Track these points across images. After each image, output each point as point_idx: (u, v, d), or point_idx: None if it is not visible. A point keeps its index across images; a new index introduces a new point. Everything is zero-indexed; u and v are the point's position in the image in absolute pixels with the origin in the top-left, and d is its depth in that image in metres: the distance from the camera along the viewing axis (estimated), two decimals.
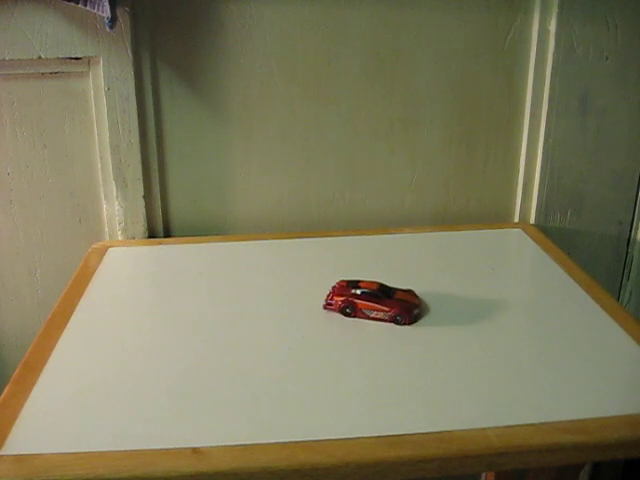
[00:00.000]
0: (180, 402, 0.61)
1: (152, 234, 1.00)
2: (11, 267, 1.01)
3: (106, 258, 0.92)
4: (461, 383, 0.63)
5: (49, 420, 0.59)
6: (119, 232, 0.99)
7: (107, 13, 0.83)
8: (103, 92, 0.92)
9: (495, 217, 1.05)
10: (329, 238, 0.98)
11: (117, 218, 0.98)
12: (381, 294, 0.74)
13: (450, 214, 1.04)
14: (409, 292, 0.77)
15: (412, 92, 0.98)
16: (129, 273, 0.90)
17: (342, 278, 0.79)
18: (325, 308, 0.77)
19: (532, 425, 0.57)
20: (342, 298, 0.75)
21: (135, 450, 0.55)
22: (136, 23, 0.90)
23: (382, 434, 0.56)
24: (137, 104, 0.93)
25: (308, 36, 0.94)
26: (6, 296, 1.02)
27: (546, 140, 0.99)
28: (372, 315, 0.74)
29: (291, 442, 0.55)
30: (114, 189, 0.97)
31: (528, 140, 1.00)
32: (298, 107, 0.97)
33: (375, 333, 0.72)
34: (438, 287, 0.81)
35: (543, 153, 1.00)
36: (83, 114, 0.94)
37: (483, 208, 1.05)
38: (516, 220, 1.05)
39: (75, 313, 0.77)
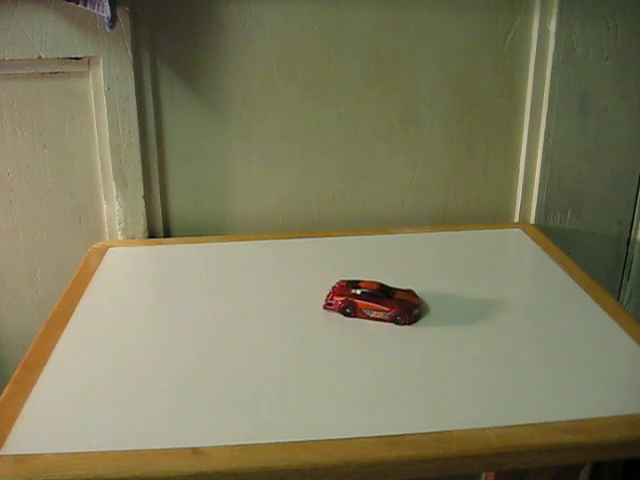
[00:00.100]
0: (180, 402, 0.61)
1: (152, 234, 1.00)
2: (11, 267, 1.01)
3: (106, 258, 0.92)
4: (461, 383, 0.63)
5: (49, 420, 0.59)
6: (119, 232, 0.99)
7: (107, 13, 0.83)
8: (103, 92, 0.92)
9: (495, 217, 1.05)
10: (329, 238, 0.98)
11: (117, 218, 0.98)
12: (381, 294, 0.74)
13: (450, 214, 1.04)
14: (409, 292, 0.77)
15: (412, 92, 0.98)
16: (129, 273, 0.90)
17: (342, 278, 0.79)
18: (325, 308, 0.77)
19: (532, 425, 0.57)
20: (342, 298, 0.75)
21: (135, 450, 0.55)
22: (136, 23, 0.90)
23: (382, 434, 0.56)
24: (137, 104, 0.93)
25: (308, 36, 0.94)
26: (6, 296, 1.02)
27: (546, 140, 0.99)
28: (372, 315, 0.74)
29: (291, 442, 0.55)
30: (114, 189, 0.97)
31: (528, 140, 1.00)
32: (298, 107, 0.97)
33: (375, 333, 0.72)
34: (438, 287, 0.81)
35: (543, 153, 1.00)
36: (83, 114, 0.94)
37: (483, 208, 1.05)
38: (516, 220, 1.05)
39: (75, 313, 0.77)
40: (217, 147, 0.98)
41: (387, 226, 1.03)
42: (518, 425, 0.57)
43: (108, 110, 0.93)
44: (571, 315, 0.76)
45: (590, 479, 1.11)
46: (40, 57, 0.89)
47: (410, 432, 0.56)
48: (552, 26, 0.94)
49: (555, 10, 0.93)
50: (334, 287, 0.77)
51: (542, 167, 1.01)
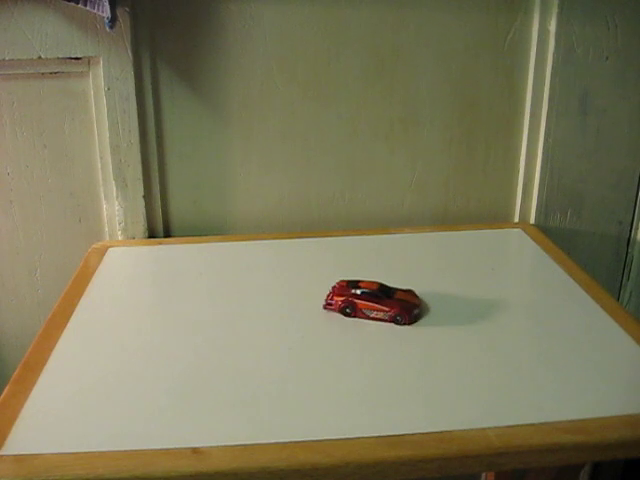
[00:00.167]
0: (180, 402, 0.61)
1: (152, 234, 1.00)
2: (11, 267, 1.01)
3: (106, 258, 0.92)
4: (461, 383, 0.63)
5: (49, 420, 0.59)
6: (119, 232, 0.99)
7: (107, 13, 0.83)
8: (103, 92, 0.92)
9: (495, 217, 1.05)
10: (329, 238, 0.98)
11: (117, 218, 0.98)
12: (381, 294, 0.74)
13: (450, 214, 1.04)
14: (409, 292, 0.77)
15: (412, 92, 0.98)
16: (129, 273, 0.90)
17: (342, 278, 0.79)
18: (325, 308, 0.77)
19: (532, 425, 0.57)
20: (342, 298, 0.75)
21: (135, 450, 0.55)
22: (136, 23, 0.90)
23: (382, 434, 0.56)
24: (137, 104, 0.93)
25: (308, 36, 0.94)
26: (6, 296, 1.02)
27: (546, 140, 0.99)
28: (372, 315, 0.74)
29: (291, 442, 0.55)
30: (114, 189, 0.97)
31: (528, 140, 1.00)
32: (298, 107, 0.97)
33: (375, 333, 0.72)
34: (438, 287, 0.81)
35: (543, 153, 1.00)
36: (83, 114, 0.94)
37: (483, 208, 1.05)
38: (516, 220, 1.05)
39: (75, 313, 0.77)
40: (217, 147, 0.98)
41: (387, 226, 1.03)
42: (518, 425, 0.57)
43: (108, 110, 0.93)
44: (571, 315, 0.76)
45: (590, 479, 1.11)
46: (40, 57, 0.89)
47: (410, 432, 0.56)
48: (552, 26, 0.94)
49: (555, 10, 0.93)
50: (334, 287, 0.77)
51: (542, 167, 1.01)
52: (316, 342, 0.71)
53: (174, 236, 1.01)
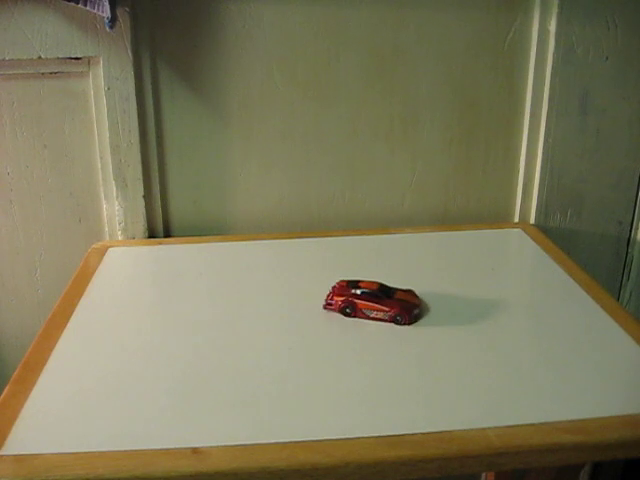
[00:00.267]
0: (180, 402, 0.61)
1: (152, 234, 1.00)
2: (11, 267, 1.01)
3: (106, 258, 0.92)
4: (461, 383, 0.63)
5: (49, 420, 0.59)
6: (119, 232, 0.99)
7: (107, 13, 0.83)
8: (103, 92, 0.92)
9: (495, 217, 1.05)
10: (329, 238, 0.98)
11: (117, 218, 0.98)
12: (381, 294, 0.74)
13: (450, 214, 1.04)
14: (409, 292, 0.77)
15: (412, 92, 0.98)
16: (129, 273, 0.90)
17: (342, 278, 0.79)
18: (325, 308, 0.76)
19: (532, 425, 0.57)
20: (342, 298, 0.75)
21: (135, 450, 0.55)
22: (136, 23, 0.90)
23: (382, 434, 0.56)
24: (137, 104, 0.93)
25: (308, 36, 0.94)
26: (6, 296, 1.02)
27: (546, 140, 0.99)
28: (372, 315, 0.74)
29: (291, 442, 0.55)
30: (114, 189, 0.97)
31: (528, 140, 1.00)
32: (298, 107, 0.97)
33: (375, 333, 0.72)
34: (438, 287, 0.81)
35: (543, 153, 1.00)
36: (83, 114, 0.94)
37: (483, 208, 1.05)
38: (516, 220, 1.05)
39: (75, 313, 0.77)
40: (217, 147, 0.98)
41: (387, 226, 1.03)
42: (518, 425, 0.57)
43: (108, 110, 0.93)
44: (571, 315, 0.76)
45: (590, 479, 1.11)
46: (40, 57, 0.89)
47: (410, 432, 0.56)
48: (552, 26, 0.94)
49: (555, 10, 0.93)
50: (334, 287, 0.77)
51: (542, 167, 1.01)
52: (316, 342, 0.71)
53: (174, 236, 1.01)
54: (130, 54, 0.90)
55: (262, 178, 1.00)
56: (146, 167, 0.97)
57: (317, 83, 0.96)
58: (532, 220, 1.04)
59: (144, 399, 0.62)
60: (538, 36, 0.95)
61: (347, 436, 0.56)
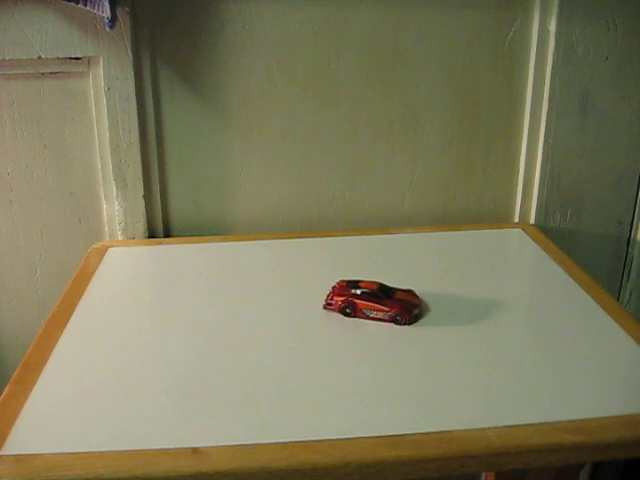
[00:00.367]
0: (180, 402, 0.61)
1: (152, 234, 1.00)
2: (11, 267, 1.01)
3: (106, 258, 0.92)
4: (461, 383, 0.63)
5: (49, 420, 0.59)
6: (119, 232, 0.99)
7: (107, 13, 0.83)
8: (103, 92, 0.92)
9: (495, 217, 1.05)
10: (329, 238, 0.98)
11: (117, 218, 0.98)
12: (381, 294, 0.74)
13: (450, 214, 1.04)
14: (409, 292, 0.77)
15: (412, 92, 0.98)
16: (129, 273, 0.90)
17: (342, 278, 0.79)
18: (325, 308, 0.76)
19: (532, 425, 0.57)
20: (342, 298, 0.75)
21: (135, 450, 0.55)
22: (136, 23, 0.90)
23: (382, 434, 0.56)
24: (137, 104, 0.93)
25: (308, 36, 0.94)
26: (6, 296, 1.02)
27: (546, 140, 0.99)
28: (372, 315, 0.74)
29: (291, 442, 0.55)
30: (114, 189, 0.97)
31: (528, 140, 1.00)
32: (298, 107, 0.97)
33: (375, 333, 0.72)
34: (438, 287, 0.81)
35: (543, 153, 1.00)
36: (83, 114, 0.94)
37: (483, 208, 1.05)
38: (516, 220, 1.05)
39: (75, 313, 0.77)
40: (217, 147, 0.98)
41: (387, 226, 1.03)
42: (518, 425, 0.57)
43: (108, 110, 0.93)
44: (571, 315, 0.76)
45: (590, 479, 1.11)
46: (40, 57, 0.89)
47: (410, 432, 0.56)
48: (552, 26, 0.94)
49: (555, 10, 0.93)
50: (334, 287, 0.77)
51: (542, 167, 1.01)
52: (316, 342, 0.71)
53: (174, 236, 1.01)
54: (130, 54, 0.90)
55: (262, 178, 1.00)
56: (146, 167, 0.97)
57: (317, 83, 0.96)
58: (532, 220, 1.04)
59: (144, 399, 0.62)
60: (538, 36, 0.96)
61: (347, 436, 0.56)
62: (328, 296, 0.77)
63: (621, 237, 1.06)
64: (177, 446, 0.55)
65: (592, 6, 0.93)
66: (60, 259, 1.00)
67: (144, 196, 0.97)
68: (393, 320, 0.73)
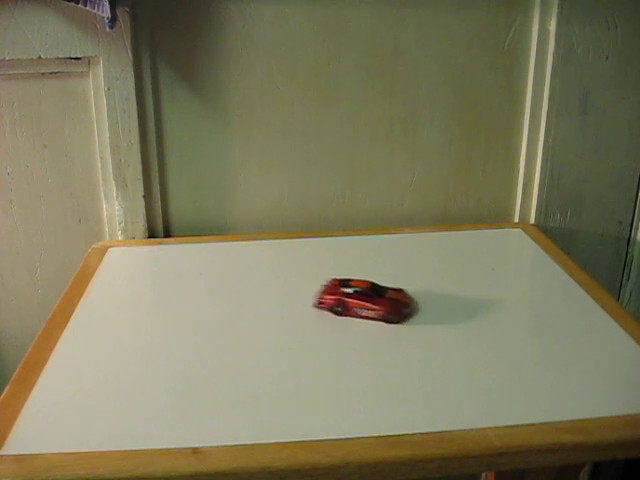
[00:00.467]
0: (180, 402, 0.61)
1: (152, 234, 1.00)
2: (11, 267, 1.01)
3: (106, 258, 0.92)
4: (461, 383, 0.63)
5: (49, 420, 0.59)
6: (119, 232, 0.99)
7: (107, 13, 0.83)
8: (103, 92, 0.92)
9: (495, 217, 1.05)
10: (329, 238, 0.98)
11: (117, 218, 0.98)
12: (372, 293, 0.74)
13: (450, 214, 1.04)
14: (400, 291, 0.76)
15: (412, 92, 0.98)
16: (129, 273, 0.90)
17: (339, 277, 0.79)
18: (316, 306, 0.76)
19: (532, 425, 0.57)
20: (333, 297, 0.75)
21: (135, 450, 0.55)
22: (136, 23, 0.90)
23: (382, 434, 0.56)
24: (137, 104, 0.93)
25: (308, 36, 0.94)
26: (6, 296, 1.02)
27: (546, 140, 0.99)
28: (363, 314, 0.74)
29: (291, 442, 0.55)
30: (114, 189, 0.97)
31: (528, 140, 1.00)
32: (298, 107, 0.97)
33: (375, 333, 0.72)
34: (438, 287, 0.81)
35: (543, 153, 1.00)
36: (83, 114, 0.94)
37: (483, 208, 1.05)
38: (516, 220, 1.05)
39: (75, 313, 0.77)
40: (217, 147, 0.98)
41: (387, 226, 1.03)
42: (518, 425, 0.57)
43: (108, 110, 0.93)
44: (571, 315, 0.76)
45: (590, 479, 1.11)
46: (40, 57, 0.89)
47: (410, 432, 0.56)
48: (552, 26, 0.94)
49: (555, 10, 0.93)
50: (325, 285, 0.77)
51: (542, 167, 1.01)
52: (316, 342, 0.71)
53: (174, 236, 1.01)
54: (130, 54, 0.90)
55: (262, 178, 1.00)
56: (146, 167, 0.97)
57: (317, 83, 0.96)
58: (532, 220, 1.04)
59: (144, 399, 0.62)
60: (538, 36, 0.95)
61: (347, 436, 0.56)
62: (319, 294, 0.77)
63: (621, 237, 1.06)
64: (177, 446, 0.55)
65: (592, 6, 0.93)
66: (60, 259, 1.00)
67: (144, 196, 0.97)
68: (383, 319, 0.73)
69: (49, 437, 0.57)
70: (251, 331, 0.73)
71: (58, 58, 0.90)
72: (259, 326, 0.74)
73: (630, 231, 1.06)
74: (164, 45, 0.92)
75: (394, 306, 0.74)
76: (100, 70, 0.91)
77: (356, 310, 0.74)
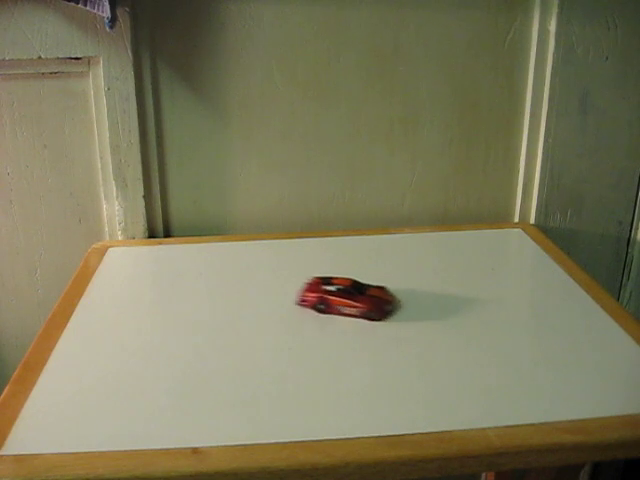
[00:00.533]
0: (180, 402, 0.61)
1: (152, 234, 1.00)
2: (11, 267, 1.01)
3: (106, 258, 0.92)
4: (461, 383, 0.63)
5: (49, 420, 0.59)
6: (119, 232, 0.99)
7: (107, 13, 0.83)
8: (103, 92, 0.92)
9: (495, 217, 1.05)
10: (329, 238, 0.98)
11: (117, 218, 0.98)
12: (353, 290, 0.74)
13: (450, 214, 1.04)
14: (382, 289, 0.77)
15: (412, 92, 0.98)
16: (129, 273, 0.90)
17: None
18: (298, 304, 0.76)
19: (532, 425, 0.57)
20: (315, 294, 0.75)
21: (135, 450, 0.55)
22: (136, 23, 0.90)
23: (382, 434, 0.56)
24: (137, 104, 0.93)
25: (308, 36, 0.94)
26: (6, 296, 1.02)
27: (546, 140, 0.99)
28: (345, 311, 0.74)
29: (291, 442, 0.55)
30: (114, 189, 0.97)
31: (528, 140, 1.00)
32: (298, 107, 0.97)
33: (375, 333, 0.72)
34: (438, 287, 0.81)
35: (543, 153, 1.00)
36: (83, 114, 0.94)
37: (483, 208, 1.05)
38: (516, 220, 1.05)
39: (75, 313, 0.77)
40: (217, 147, 0.98)
41: (387, 226, 1.03)
42: (518, 425, 0.57)
43: (108, 110, 0.93)
44: (571, 315, 0.76)
45: (590, 479, 1.11)
46: (40, 57, 0.89)
47: (410, 432, 0.56)
48: (552, 26, 0.94)
49: (555, 10, 0.93)
50: (307, 283, 0.77)
51: (542, 167, 1.01)
52: (316, 342, 0.71)
53: (174, 236, 1.01)
54: (130, 54, 0.90)
55: (262, 178, 1.00)
56: (146, 167, 0.97)
57: (317, 83, 0.96)
58: (532, 220, 1.04)
59: (144, 399, 0.62)
60: (538, 36, 0.95)
61: (347, 436, 0.56)
62: (301, 292, 0.77)
63: (621, 237, 1.06)
64: (177, 446, 0.55)
65: (592, 6, 0.93)
66: (60, 259, 1.00)
67: (144, 196, 0.97)
68: (365, 316, 0.73)
69: (49, 437, 0.57)
70: (251, 331, 0.73)
71: (58, 58, 0.90)
72: (259, 326, 0.74)
73: (630, 231, 1.06)
74: (164, 45, 0.92)
75: (375, 303, 0.74)
76: (100, 70, 0.91)
77: (338, 307, 0.74)
